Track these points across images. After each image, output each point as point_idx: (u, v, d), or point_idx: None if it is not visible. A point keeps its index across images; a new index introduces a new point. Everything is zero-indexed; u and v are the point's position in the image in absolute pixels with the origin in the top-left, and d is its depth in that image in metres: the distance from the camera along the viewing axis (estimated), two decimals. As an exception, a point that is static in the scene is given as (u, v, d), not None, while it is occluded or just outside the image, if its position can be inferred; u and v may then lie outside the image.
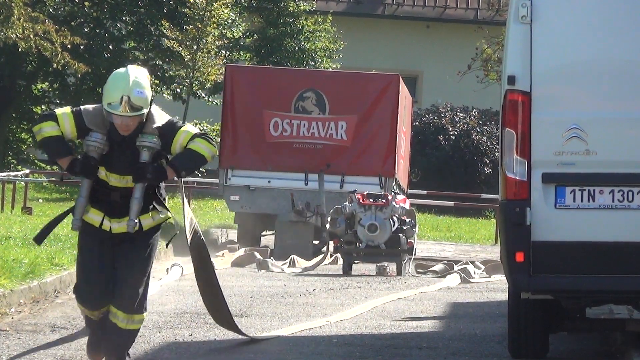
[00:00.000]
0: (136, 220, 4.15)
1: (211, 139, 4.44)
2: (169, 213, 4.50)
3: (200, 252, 5.70)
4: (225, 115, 16.52)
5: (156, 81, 27.51)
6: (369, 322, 8.21)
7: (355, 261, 13.81)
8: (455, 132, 28.42)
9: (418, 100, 29.72)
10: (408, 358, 6.25)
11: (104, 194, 4.26)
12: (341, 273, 13.04)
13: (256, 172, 15.94)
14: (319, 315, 8.65)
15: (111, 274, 4.27)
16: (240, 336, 6.49)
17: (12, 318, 7.10)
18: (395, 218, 13.56)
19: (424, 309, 9.49)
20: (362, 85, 17.44)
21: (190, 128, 4.38)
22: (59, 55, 20.99)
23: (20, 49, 22.87)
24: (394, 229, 13.36)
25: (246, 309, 8.84)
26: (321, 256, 14.18)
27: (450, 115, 28.88)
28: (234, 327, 6.26)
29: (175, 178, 4.55)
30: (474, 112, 29.23)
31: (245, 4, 29.69)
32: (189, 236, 5.24)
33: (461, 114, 29.03)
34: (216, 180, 17.28)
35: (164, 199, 4.53)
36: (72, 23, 26.75)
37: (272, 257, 13.93)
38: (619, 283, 5.45)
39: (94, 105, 4.38)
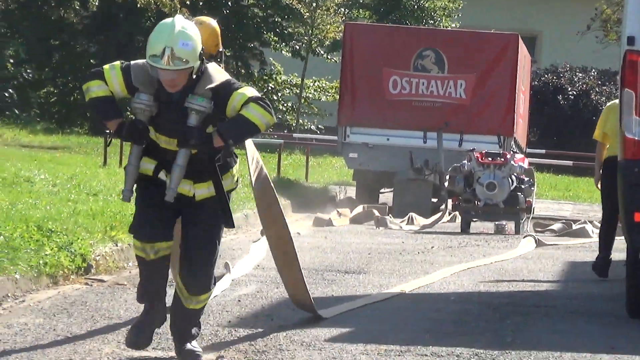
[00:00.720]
0: (176, 190, 3.67)
1: (268, 105, 3.81)
2: (232, 183, 3.94)
3: (265, 193, 5.15)
4: (344, 73, 16.68)
5: (275, 38, 28.41)
6: (486, 279, 8.22)
7: (474, 219, 13.82)
8: (574, 92, 28.44)
9: (537, 60, 29.74)
10: (525, 316, 6.26)
11: (157, 152, 3.84)
12: (459, 231, 13.07)
13: (375, 130, 16.04)
14: (438, 271, 8.78)
15: (169, 214, 3.79)
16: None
17: (130, 272, 7.15)
18: (513, 177, 13.54)
19: (542, 267, 9.47)
20: (481, 45, 17.40)
21: (247, 90, 3.80)
22: (178, 11, 21.30)
23: (139, 5, 23.66)
24: (512, 187, 13.41)
25: (364, 265, 8.87)
26: (439, 214, 14.25)
27: (569, 75, 28.93)
28: (304, 296, 5.36)
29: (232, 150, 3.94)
30: (593, 72, 29.29)
31: (365, -41, 32.98)
32: (253, 178, 4.92)
33: (580, 74, 29.10)
34: (335, 137, 17.59)
35: (230, 167, 3.88)
36: (190, -21, 30.75)
37: (390, 215, 14.06)
38: None
39: (144, 60, 3.75)
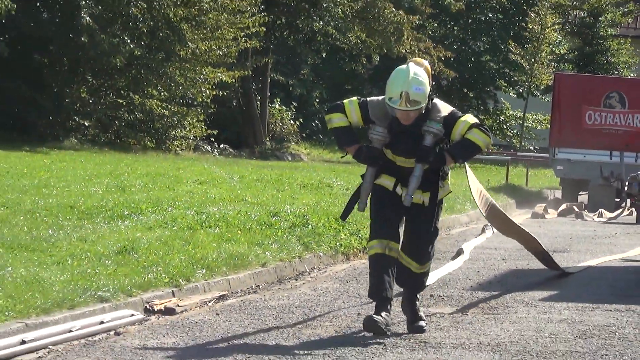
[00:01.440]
0: (413, 196, 4.07)
1: (487, 129, 4.34)
2: (448, 189, 4.41)
3: (499, 216, 5.93)
4: (554, 109, 20.71)
5: (505, 84, 36.51)
6: (660, 257, 10.46)
7: (646, 214, 18.52)
8: None
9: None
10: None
11: (394, 169, 4.22)
12: (635, 222, 14.87)
13: (575, 150, 19.05)
14: (619, 251, 9.32)
15: (399, 221, 4.29)
16: (553, 270, 7.12)
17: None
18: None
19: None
20: (653, 88, 26.01)
21: (469, 118, 4.28)
22: (435, 65, 26.77)
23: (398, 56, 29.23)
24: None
25: (566, 246, 10.18)
26: (621, 210, 16.12)
27: None
28: (549, 261, 6.70)
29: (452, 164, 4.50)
30: None
31: (569, 29, 36.46)
32: (482, 210, 5.49)
33: None
34: (547, 155, 23.02)
35: (447, 176, 4.34)
36: (445, 42, 35.17)
37: (585, 210, 17.08)
38: None
39: (379, 98, 4.25)
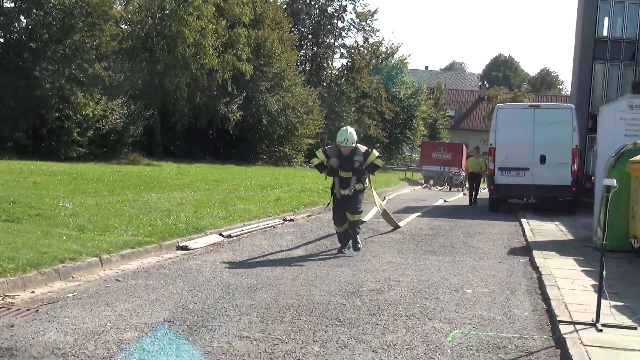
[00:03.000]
0: (352, 189, 9.11)
1: (381, 157, 9.40)
2: (365, 186, 9.47)
3: (385, 213, 12.44)
4: (422, 151, 39.57)
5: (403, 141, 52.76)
6: None
7: None
8: None
9: None
10: None
11: (340, 179, 9.04)
12: (449, 190, 34.45)
13: (429, 166, 35.55)
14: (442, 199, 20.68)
15: (344, 211, 9.28)
16: None
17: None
18: None
19: None
20: None
21: (375, 152, 9.21)
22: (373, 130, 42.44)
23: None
24: None
25: (423, 197, 20.06)
26: (444, 186, 35.50)
27: None
28: (390, 219, 12.39)
29: (366, 176, 9.65)
30: None
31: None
32: (379, 208, 12.22)
33: None
34: (419, 167, 44.88)
35: (364, 181, 9.29)
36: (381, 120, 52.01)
37: (431, 185, 37.37)
38: None
39: (330, 146, 9.48)
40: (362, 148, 8.63)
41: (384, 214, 11.97)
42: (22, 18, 25.31)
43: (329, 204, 9.61)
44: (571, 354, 4.30)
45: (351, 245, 9.15)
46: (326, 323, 5.19)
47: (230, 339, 4.57)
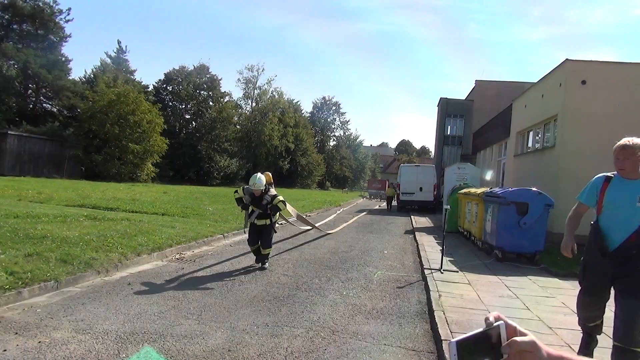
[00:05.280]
0: (261, 221, 7.76)
1: (284, 201, 8.03)
2: (273, 221, 7.98)
3: (299, 217, 12.10)
4: (368, 184, 52.23)
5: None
6: None
7: None
8: None
9: None
10: None
11: (254, 212, 7.65)
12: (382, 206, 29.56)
13: (370, 189, 51.10)
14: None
15: (256, 236, 7.96)
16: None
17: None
18: None
19: None
20: None
21: (280, 197, 7.84)
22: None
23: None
24: None
25: (366, 206, 17.90)
26: (379, 202, 37.99)
27: None
28: (306, 223, 12.68)
29: (272, 214, 7.89)
30: None
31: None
32: (294, 214, 12.00)
33: None
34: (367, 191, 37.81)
35: (271, 217, 7.99)
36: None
37: (373, 200, 26.97)
38: None
39: (247, 186, 7.77)
40: (272, 192, 7.89)
41: (299, 217, 11.68)
42: (193, 122, 50.46)
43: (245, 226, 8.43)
44: (428, 284, 6.79)
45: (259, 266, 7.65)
46: (321, 267, 8.15)
47: (279, 276, 7.39)
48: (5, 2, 36.74)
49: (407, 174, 26.73)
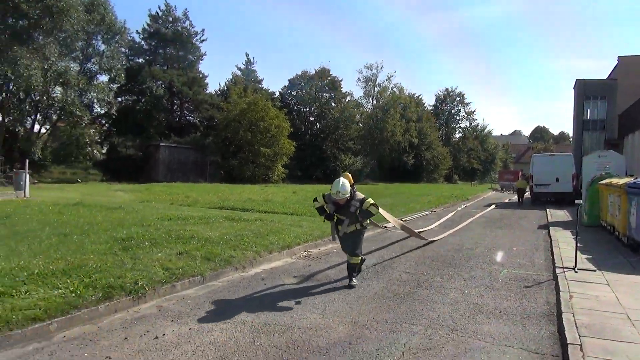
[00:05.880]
0: (346, 230, 6.72)
1: (377, 206, 6.61)
2: (363, 226, 6.75)
3: (404, 227, 9.28)
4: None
5: None
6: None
7: None
8: None
9: None
10: None
11: (338, 220, 6.69)
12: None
13: (502, 182, 45.34)
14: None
15: (347, 245, 6.78)
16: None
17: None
18: None
19: None
20: None
21: (369, 199, 6.52)
22: None
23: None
24: None
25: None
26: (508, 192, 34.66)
27: None
28: (410, 231, 9.84)
29: (363, 220, 6.68)
30: None
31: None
32: (396, 224, 9.24)
33: None
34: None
35: (361, 223, 6.82)
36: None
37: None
38: None
39: (328, 193, 6.66)
40: (360, 196, 6.79)
41: (403, 228, 9.62)
42: (317, 124, 52.25)
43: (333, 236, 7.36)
44: (559, 284, 6.43)
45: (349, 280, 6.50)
46: (444, 265, 8.04)
47: (400, 273, 7.45)
48: (152, 30, 41.41)
49: (540, 164, 24.79)
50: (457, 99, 73.33)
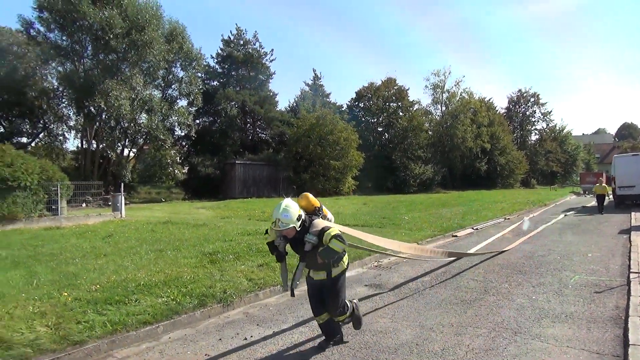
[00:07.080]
0: (319, 275, 4.84)
1: (342, 239, 4.44)
2: (342, 267, 4.88)
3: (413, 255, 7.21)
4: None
5: None
6: None
7: None
8: None
9: None
10: None
11: (298, 265, 4.82)
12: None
13: (584, 185, 41.60)
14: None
15: (319, 300, 4.87)
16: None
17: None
18: None
19: None
20: None
21: (332, 231, 4.46)
22: None
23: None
24: None
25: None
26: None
27: None
28: (420, 254, 7.60)
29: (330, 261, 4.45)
30: None
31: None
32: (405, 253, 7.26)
33: None
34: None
35: (337, 263, 4.86)
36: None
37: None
38: None
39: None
40: (319, 225, 4.54)
41: (416, 251, 7.45)
42: (385, 134, 51.79)
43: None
44: (631, 289, 6.38)
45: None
46: (513, 272, 8.13)
47: (468, 280, 7.68)
48: (225, 54, 43.88)
49: (623, 165, 23.25)
50: (532, 99, 71.18)
